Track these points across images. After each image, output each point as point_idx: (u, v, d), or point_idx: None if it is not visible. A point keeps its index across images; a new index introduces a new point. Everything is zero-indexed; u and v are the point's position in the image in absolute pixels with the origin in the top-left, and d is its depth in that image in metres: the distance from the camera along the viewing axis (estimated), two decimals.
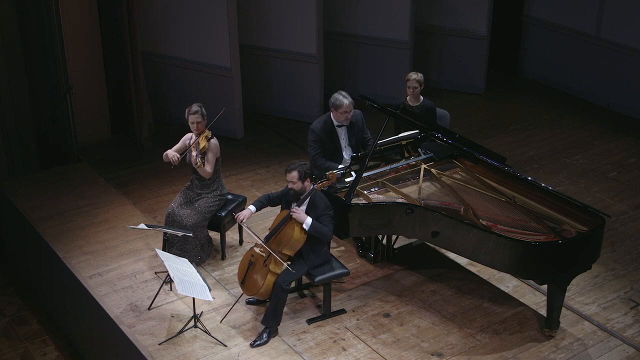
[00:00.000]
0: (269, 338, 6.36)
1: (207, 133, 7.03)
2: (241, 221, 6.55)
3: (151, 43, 9.82)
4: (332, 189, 6.74)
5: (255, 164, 9.27)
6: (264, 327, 6.38)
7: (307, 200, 6.37)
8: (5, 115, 9.55)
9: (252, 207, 6.59)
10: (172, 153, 7.06)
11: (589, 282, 7.19)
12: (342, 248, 7.58)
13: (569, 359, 6.28)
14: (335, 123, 7.29)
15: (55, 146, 9.63)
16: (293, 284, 6.77)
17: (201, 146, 6.95)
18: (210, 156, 7.02)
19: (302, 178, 6.29)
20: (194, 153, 6.96)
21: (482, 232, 6.23)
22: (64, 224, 7.95)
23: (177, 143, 7.20)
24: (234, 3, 9.27)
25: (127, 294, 6.92)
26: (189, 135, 7.16)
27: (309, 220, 6.25)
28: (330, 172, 6.48)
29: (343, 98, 7.15)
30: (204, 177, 7.09)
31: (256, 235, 6.48)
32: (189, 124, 7.00)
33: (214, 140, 7.04)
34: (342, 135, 7.35)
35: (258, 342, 6.32)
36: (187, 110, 7.01)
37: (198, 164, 6.94)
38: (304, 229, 6.26)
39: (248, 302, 6.77)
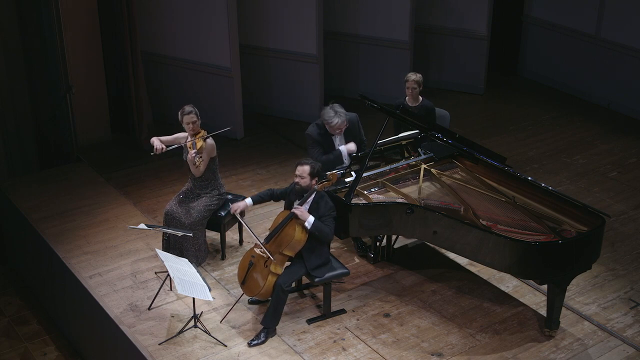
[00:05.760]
0: (266, 338, 6.36)
1: (203, 133, 7.03)
2: (234, 212, 6.60)
3: (151, 43, 9.82)
4: (332, 188, 6.74)
5: (255, 164, 9.27)
6: (262, 327, 6.38)
7: (311, 200, 6.36)
8: (5, 115, 9.55)
9: (248, 200, 6.63)
10: (158, 142, 7.05)
11: (589, 282, 7.19)
12: (342, 248, 7.58)
13: (569, 359, 6.28)
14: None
15: (55, 146, 9.63)
16: (293, 284, 6.78)
17: (198, 146, 6.95)
18: (205, 156, 7.02)
19: (312, 174, 6.27)
20: (192, 152, 6.96)
21: (482, 232, 6.23)
22: (64, 224, 7.95)
23: (170, 136, 7.21)
24: (234, 3, 9.27)
25: (127, 294, 6.92)
26: (184, 134, 7.15)
27: (311, 218, 6.24)
28: (332, 172, 6.47)
29: (334, 116, 7.00)
30: (196, 175, 7.10)
31: (254, 233, 6.50)
32: (184, 125, 6.99)
33: (209, 141, 7.03)
34: (337, 140, 7.29)
35: (255, 342, 6.32)
36: (180, 112, 7.00)
37: (197, 163, 6.94)
38: (305, 229, 6.25)
39: (250, 302, 6.77)
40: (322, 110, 7.15)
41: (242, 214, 6.69)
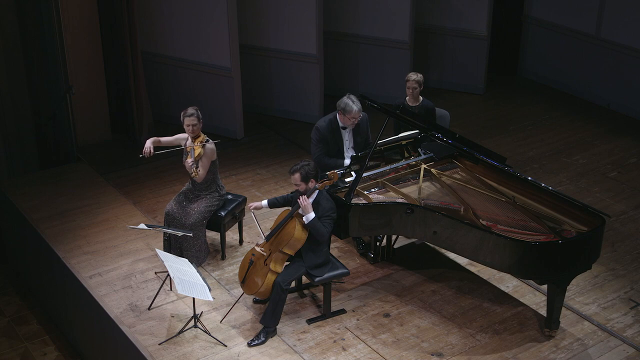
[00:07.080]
0: (266, 338, 6.36)
1: (202, 138, 7.01)
2: (249, 207, 6.72)
3: (151, 43, 9.82)
4: (332, 189, 6.75)
5: (255, 164, 9.27)
6: (262, 327, 6.38)
7: (312, 199, 6.35)
8: (5, 115, 9.55)
9: (264, 202, 6.71)
10: (149, 145, 7.05)
11: (589, 282, 7.19)
12: (343, 248, 7.58)
13: (569, 359, 6.28)
14: (341, 124, 7.29)
15: (55, 146, 9.63)
16: (293, 284, 6.78)
17: (196, 153, 6.94)
18: (205, 161, 7.00)
19: (305, 179, 6.27)
20: (189, 160, 6.96)
21: (482, 232, 6.23)
22: (64, 224, 7.95)
23: (171, 136, 7.21)
24: (234, 3, 9.27)
25: (127, 294, 6.92)
26: (185, 135, 7.15)
27: (311, 214, 6.24)
28: (332, 171, 6.48)
29: (352, 104, 7.11)
30: (197, 181, 7.10)
31: (261, 228, 6.54)
32: (185, 126, 6.99)
33: (209, 145, 7.01)
34: (346, 136, 7.35)
35: (255, 342, 6.33)
36: (182, 113, 7.00)
37: (193, 173, 6.94)
38: (305, 227, 6.25)
39: (255, 302, 6.77)
40: (339, 101, 7.20)
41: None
